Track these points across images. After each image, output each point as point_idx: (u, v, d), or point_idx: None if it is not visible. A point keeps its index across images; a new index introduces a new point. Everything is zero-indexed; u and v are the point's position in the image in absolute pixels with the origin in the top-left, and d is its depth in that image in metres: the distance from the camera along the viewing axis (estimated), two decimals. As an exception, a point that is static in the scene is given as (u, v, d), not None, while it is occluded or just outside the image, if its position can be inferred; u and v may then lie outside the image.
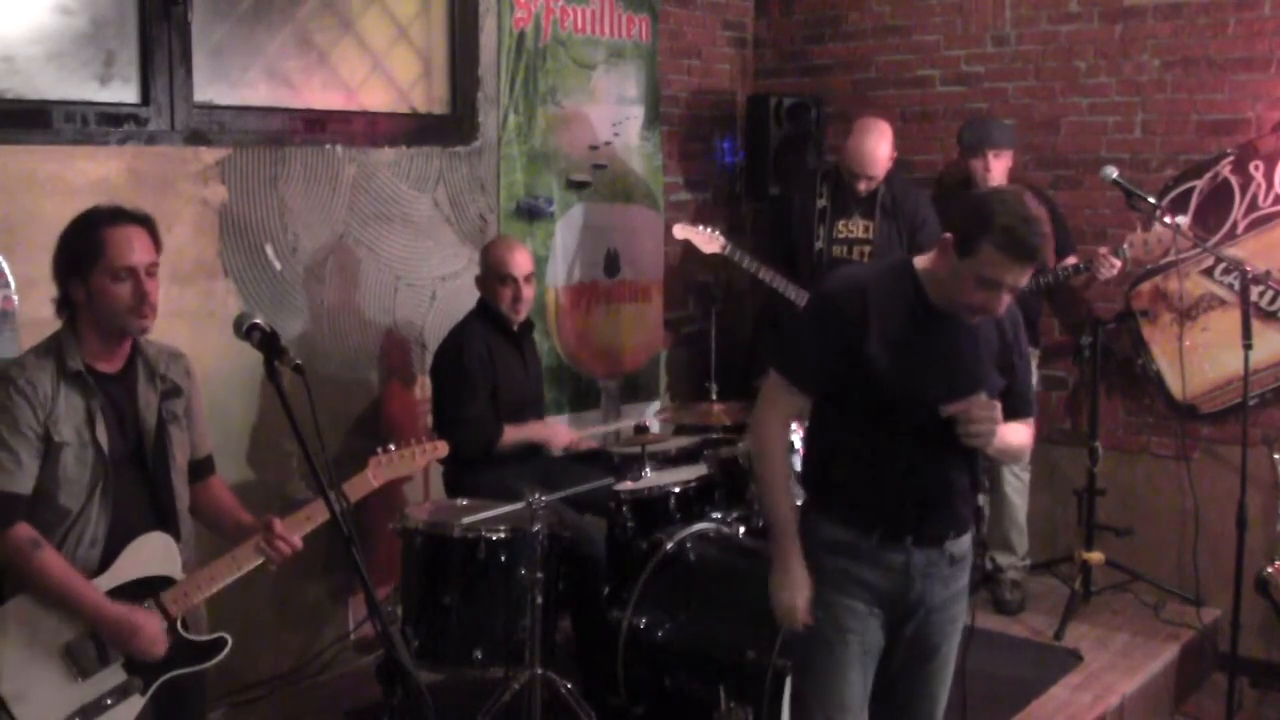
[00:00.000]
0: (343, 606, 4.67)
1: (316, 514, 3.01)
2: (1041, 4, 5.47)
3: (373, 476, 3.23)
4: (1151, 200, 4.60)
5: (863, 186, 4.99)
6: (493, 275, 4.36)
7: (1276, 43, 4.95)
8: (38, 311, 3.67)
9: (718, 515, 4.21)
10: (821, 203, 5.09)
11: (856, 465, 2.85)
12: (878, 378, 2.76)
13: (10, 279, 3.63)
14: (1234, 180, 5.06)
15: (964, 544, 2.93)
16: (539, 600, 3.60)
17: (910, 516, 2.82)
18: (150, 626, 2.81)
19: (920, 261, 2.85)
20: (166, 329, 3.78)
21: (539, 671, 3.64)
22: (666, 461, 4.66)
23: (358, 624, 4.66)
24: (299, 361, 2.67)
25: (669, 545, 3.94)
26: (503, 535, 3.75)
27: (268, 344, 2.70)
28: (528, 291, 4.40)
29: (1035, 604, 5.18)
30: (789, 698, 3.03)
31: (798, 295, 4.94)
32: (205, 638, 2.96)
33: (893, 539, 2.83)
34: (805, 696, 2.95)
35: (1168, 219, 4.65)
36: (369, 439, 4.68)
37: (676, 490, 4.25)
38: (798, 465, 4.04)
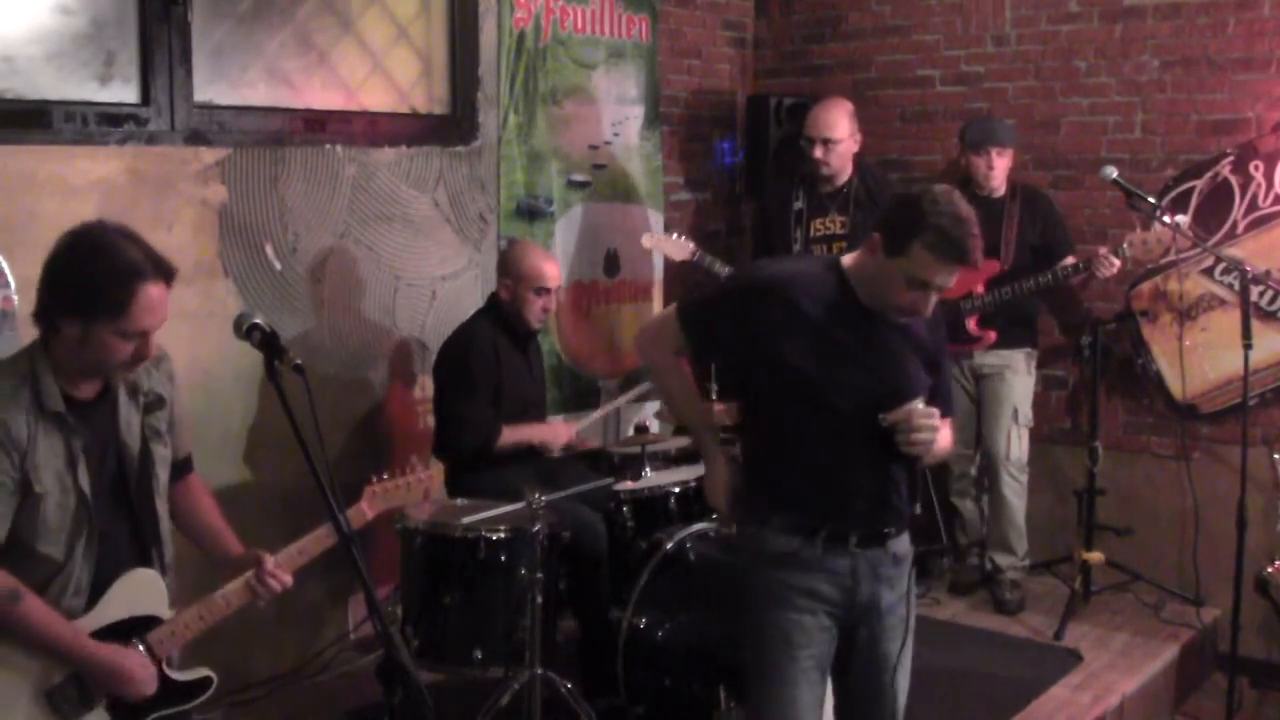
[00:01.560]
0: (343, 606, 4.67)
1: (309, 548, 2.89)
2: (1041, 4, 5.47)
3: (367, 507, 3.08)
4: (1151, 200, 4.60)
5: (819, 154, 4.93)
6: (526, 284, 4.34)
7: (1276, 43, 4.95)
8: (38, 311, 3.67)
9: (717, 515, 4.21)
10: (798, 204, 5.10)
11: (795, 469, 2.81)
12: (810, 381, 2.73)
13: (10, 279, 3.63)
14: (1234, 180, 5.06)
15: (904, 542, 2.89)
16: (539, 600, 3.60)
17: (853, 516, 2.78)
18: (140, 670, 2.69)
19: (848, 260, 2.82)
20: (166, 329, 3.79)
21: (539, 671, 3.64)
22: (666, 461, 4.66)
23: (358, 624, 4.66)
24: (299, 361, 2.66)
25: (669, 545, 3.94)
26: (503, 535, 3.75)
27: (268, 344, 2.67)
28: (555, 301, 4.43)
29: (1035, 604, 5.17)
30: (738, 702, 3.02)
31: None
32: (189, 677, 2.84)
33: (838, 541, 2.78)
34: (755, 709, 2.90)
35: (1167, 218, 4.65)
36: (369, 439, 4.71)
37: (676, 490, 4.25)
38: None
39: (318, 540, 2.90)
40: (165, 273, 2.62)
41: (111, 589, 2.71)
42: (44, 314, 2.63)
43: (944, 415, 2.88)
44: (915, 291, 2.69)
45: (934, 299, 2.72)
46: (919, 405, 2.70)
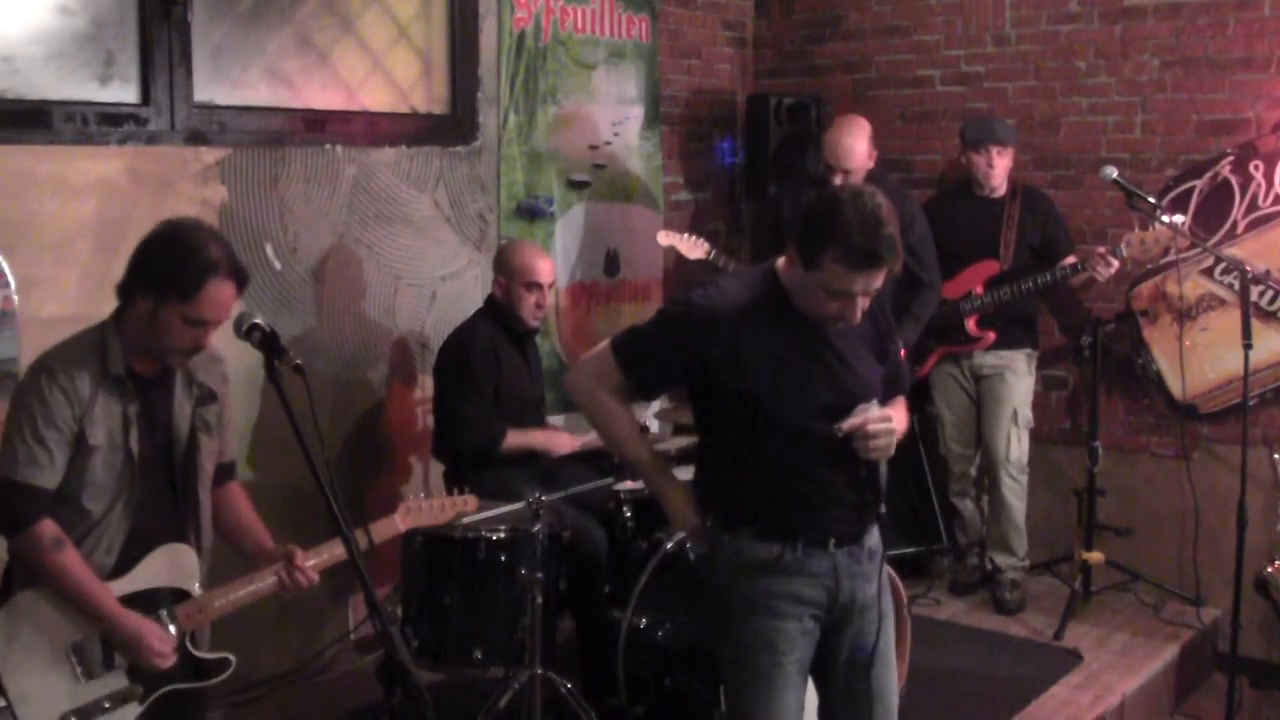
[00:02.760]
0: (343, 606, 4.67)
1: (339, 552, 2.98)
2: (1041, 4, 5.47)
3: (400, 521, 3.24)
4: (1151, 200, 4.60)
5: (838, 181, 4.95)
6: (518, 280, 4.34)
7: (1276, 43, 4.95)
8: (38, 311, 3.68)
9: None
10: None
11: (765, 479, 2.78)
12: (764, 402, 2.71)
13: (10, 279, 3.63)
14: (1234, 180, 5.06)
15: (875, 536, 2.89)
16: (539, 600, 3.60)
17: (829, 520, 2.78)
18: (161, 643, 2.79)
19: (781, 266, 2.80)
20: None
21: (539, 671, 3.64)
22: (666, 461, 4.65)
23: (358, 624, 4.67)
24: (299, 361, 2.68)
25: (669, 545, 3.94)
26: (503, 535, 3.75)
27: (268, 344, 2.71)
28: (549, 298, 4.42)
29: (1035, 604, 5.17)
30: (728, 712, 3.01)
31: None
32: (210, 655, 2.94)
33: (817, 544, 2.78)
34: (741, 716, 2.88)
35: (1166, 218, 4.66)
36: (369, 439, 4.71)
37: (676, 490, 4.24)
38: None
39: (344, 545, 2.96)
40: (238, 276, 2.80)
41: (147, 558, 2.83)
42: (125, 287, 2.81)
43: (897, 393, 2.92)
44: (839, 301, 2.67)
45: (862, 303, 2.69)
46: (872, 411, 2.70)
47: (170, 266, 2.74)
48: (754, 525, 2.79)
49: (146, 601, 2.82)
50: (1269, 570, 4.62)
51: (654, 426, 4.88)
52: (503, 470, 4.21)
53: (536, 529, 3.62)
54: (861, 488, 2.78)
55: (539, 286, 4.35)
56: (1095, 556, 5.05)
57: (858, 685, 2.89)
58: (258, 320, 2.75)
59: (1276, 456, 4.89)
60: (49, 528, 2.71)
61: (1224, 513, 4.67)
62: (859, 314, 2.71)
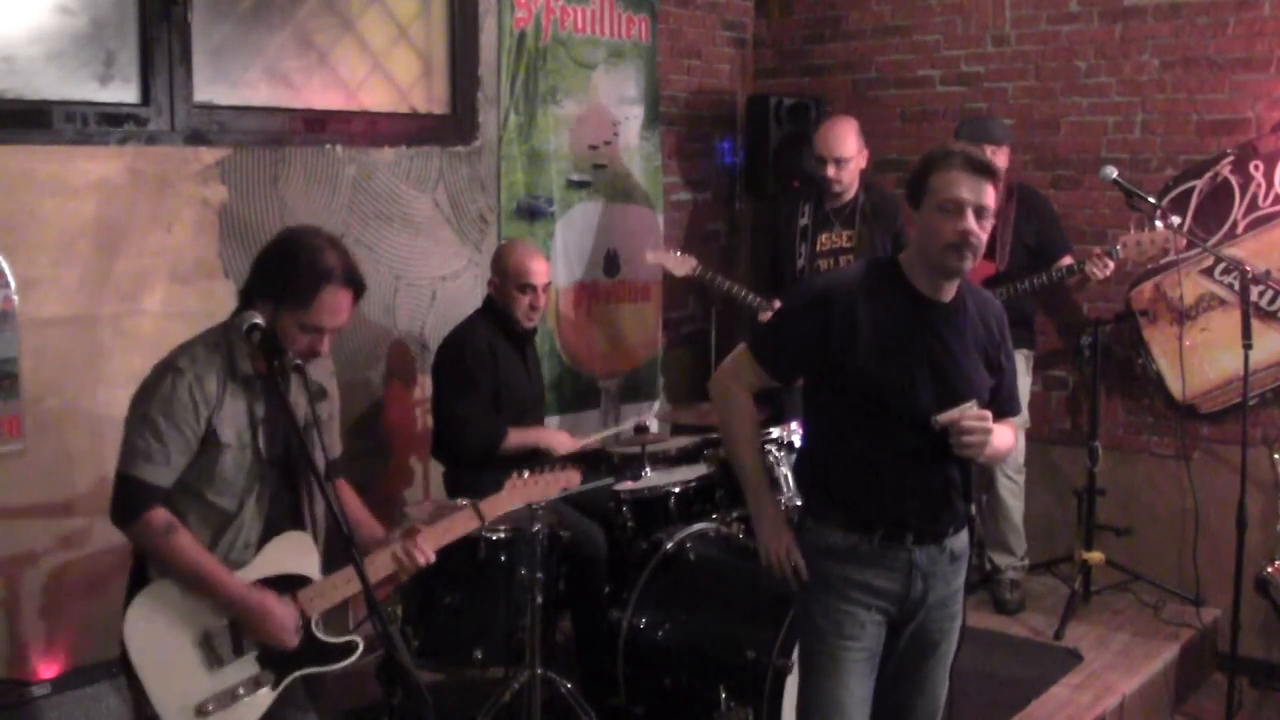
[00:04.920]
0: (342, 606, 4.66)
1: (455, 527, 3.06)
2: (1041, 4, 5.47)
3: (509, 496, 3.27)
4: (1151, 200, 4.60)
5: (831, 172, 4.93)
6: (511, 281, 4.34)
7: (1276, 43, 4.95)
8: (38, 311, 3.68)
9: (717, 515, 4.21)
10: (803, 221, 5.09)
11: (854, 467, 2.85)
12: (869, 380, 2.77)
13: (10, 279, 3.63)
14: (1234, 180, 5.06)
15: (962, 540, 2.94)
16: (539, 600, 3.60)
17: (910, 514, 2.83)
18: (283, 614, 2.80)
19: (901, 256, 2.88)
20: (167, 330, 3.79)
21: (539, 671, 3.64)
22: (666, 461, 4.66)
23: (358, 624, 4.66)
24: (299, 361, 2.68)
25: (669, 545, 3.94)
26: (503, 535, 3.75)
27: (268, 344, 2.71)
28: (544, 299, 4.41)
29: (1035, 604, 5.18)
30: (791, 697, 3.04)
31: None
32: (337, 639, 2.94)
33: (894, 539, 2.83)
34: (806, 699, 2.95)
35: (1160, 219, 4.65)
36: (369, 439, 4.71)
37: (676, 490, 4.25)
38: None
39: (462, 521, 3.07)
40: (354, 283, 2.85)
41: (268, 546, 2.86)
42: (246, 293, 2.88)
43: (1009, 414, 2.97)
44: (952, 219, 2.70)
45: (972, 222, 2.71)
46: (971, 408, 2.74)
47: (287, 275, 2.79)
48: (836, 513, 2.86)
49: (270, 589, 2.84)
50: (1269, 570, 4.61)
51: (654, 426, 4.88)
52: (503, 471, 4.20)
53: (536, 529, 3.62)
54: (948, 486, 2.83)
55: (533, 288, 4.34)
56: (1095, 556, 5.05)
57: (921, 683, 2.95)
58: (258, 320, 2.75)
59: (1276, 456, 4.89)
60: (160, 515, 2.73)
61: (1224, 513, 4.67)
62: (974, 228, 2.72)
